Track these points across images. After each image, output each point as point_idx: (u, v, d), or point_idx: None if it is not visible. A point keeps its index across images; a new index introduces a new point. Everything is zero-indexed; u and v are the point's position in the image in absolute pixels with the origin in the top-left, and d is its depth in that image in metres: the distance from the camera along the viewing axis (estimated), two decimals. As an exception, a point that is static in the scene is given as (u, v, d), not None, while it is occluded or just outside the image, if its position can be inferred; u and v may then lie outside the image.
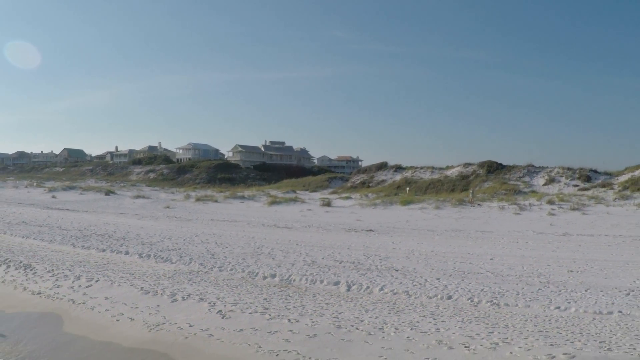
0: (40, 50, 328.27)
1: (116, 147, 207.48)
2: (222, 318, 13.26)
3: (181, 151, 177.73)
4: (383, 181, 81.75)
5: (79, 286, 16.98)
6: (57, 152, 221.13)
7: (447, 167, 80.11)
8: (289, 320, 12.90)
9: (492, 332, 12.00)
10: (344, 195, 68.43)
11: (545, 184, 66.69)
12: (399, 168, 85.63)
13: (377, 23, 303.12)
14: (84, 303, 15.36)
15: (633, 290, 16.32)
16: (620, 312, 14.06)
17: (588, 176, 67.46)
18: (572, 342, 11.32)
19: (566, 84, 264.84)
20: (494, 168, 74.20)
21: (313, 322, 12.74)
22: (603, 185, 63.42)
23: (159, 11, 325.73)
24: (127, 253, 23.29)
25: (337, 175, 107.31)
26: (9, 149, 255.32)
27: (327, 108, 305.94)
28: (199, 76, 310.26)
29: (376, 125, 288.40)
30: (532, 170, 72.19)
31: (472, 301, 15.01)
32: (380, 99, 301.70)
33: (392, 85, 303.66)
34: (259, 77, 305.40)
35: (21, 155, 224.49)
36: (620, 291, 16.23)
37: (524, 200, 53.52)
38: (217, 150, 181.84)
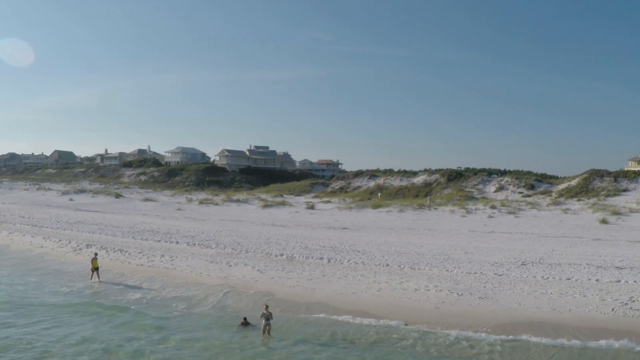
0: (30, 47, 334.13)
1: (106, 150, 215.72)
2: (260, 273, 24.42)
3: (170, 154, 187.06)
4: (359, 187, 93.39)
5: (166, 260, 27.93)
6: (47, 153, 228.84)
7: (414, 175, 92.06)
8: (297, 273, 24.16)
9: (403, 278, 23.31)
10: (325, 199, 79.69)
11: (495, 191, 78.70)
12: (373, 175, 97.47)
13: (360, 24, 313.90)
14: (174, 268, 26.29)
15: (497, 262, 27.74)
16: (481, 272, 25.37)
17: (532, 184, 79.69)
18: (441, 282, 22.64)
19: (551, 87, 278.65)
20: (453, 176, 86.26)
21: (310, 274, 24.00)
22: (543, 193, 75.57)
23: (138, 10, 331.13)
24: (177, 242, 34.12)
25: (318, 180, 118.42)
26: (1, 150, 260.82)
27: (313, 109, 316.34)
28: (189, 75, 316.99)
29: (356, 127, 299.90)
30: (485, 179, 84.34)
31: (399, 267, 26.27)
32: (358, 102, 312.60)
33: (377, 87, 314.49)
34: (248, 78, 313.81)
35: (12, 156, 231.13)
36: (489, 263, 27.64)
37: (473, 205, 65.04)
38: (204, 154, 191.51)
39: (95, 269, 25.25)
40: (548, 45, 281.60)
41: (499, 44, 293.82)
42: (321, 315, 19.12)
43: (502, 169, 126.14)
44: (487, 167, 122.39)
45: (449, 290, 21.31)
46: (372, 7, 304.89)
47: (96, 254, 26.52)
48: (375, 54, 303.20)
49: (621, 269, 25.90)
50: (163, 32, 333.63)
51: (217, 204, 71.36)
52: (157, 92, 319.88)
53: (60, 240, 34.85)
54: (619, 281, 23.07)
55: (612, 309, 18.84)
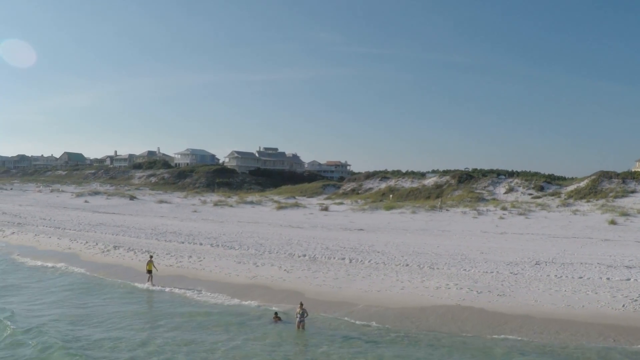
0: (31, 48, 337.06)
1: (115, 152, 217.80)
2: (288, 273, 25.69)
3: (179, 156, 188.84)
4: (370, 189, 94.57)
5: (194, 261, 29.24)
6: (56, 155, 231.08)
7: (425, 177, 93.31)
8: (322, 273, 25.44)
9: (424, 277, 24.52)
10: (337, 201, 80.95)
11: (505, 193, 79.61)
12: (384, 177, 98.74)
13: (360, 26, 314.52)
14: (203, 269, 27.58)
15: (512, 262, 28.89)
16: (497, 271, 26.54)
17: (541, 186, 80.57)
18: (460, 281, 23.83)
19: (546, 90, 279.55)
20: (464, 178, 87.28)
21: (335, 273, 25.29)
22: (552, 194, 76.46)
23: (139, 12, 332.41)
24: (201, 244, 35.43)
25: (330, 182, 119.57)
26: (9, 151, 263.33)
27: (316, 112, 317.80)
28: (196, 74, 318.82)
29: (363, 128, 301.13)
30: (495, 181, 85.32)
31: (419, 266, 27.46)
32: (366, 103, 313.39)
33: (378, 89, 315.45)
34: (244, 79, 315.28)
35: (22, 158, 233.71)
36: (504, 263, 28.79)
37: (484, 207, 66.08)
38: (213, 156, 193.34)
39: (149, 271, 25.41)
40: (555, 45, 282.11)
41: (502, 42, 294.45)
42: (350, 311, 20.35)
43: (510, 169, 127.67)
44: (495, 168, 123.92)
45: (468, 288, 22.51)
46: (381, 8, 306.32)
47: (152, 257, 26.80)
48: (380, 54, 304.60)
49: (630, 268, 27.01)
50: (168, 30, 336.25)
51: (231, 206, 72.70)
52: (163, 92, 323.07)
53: (87, 242, 36.22)
54: (629, 279, 24.19)
55: (623, 305, 19.97)
